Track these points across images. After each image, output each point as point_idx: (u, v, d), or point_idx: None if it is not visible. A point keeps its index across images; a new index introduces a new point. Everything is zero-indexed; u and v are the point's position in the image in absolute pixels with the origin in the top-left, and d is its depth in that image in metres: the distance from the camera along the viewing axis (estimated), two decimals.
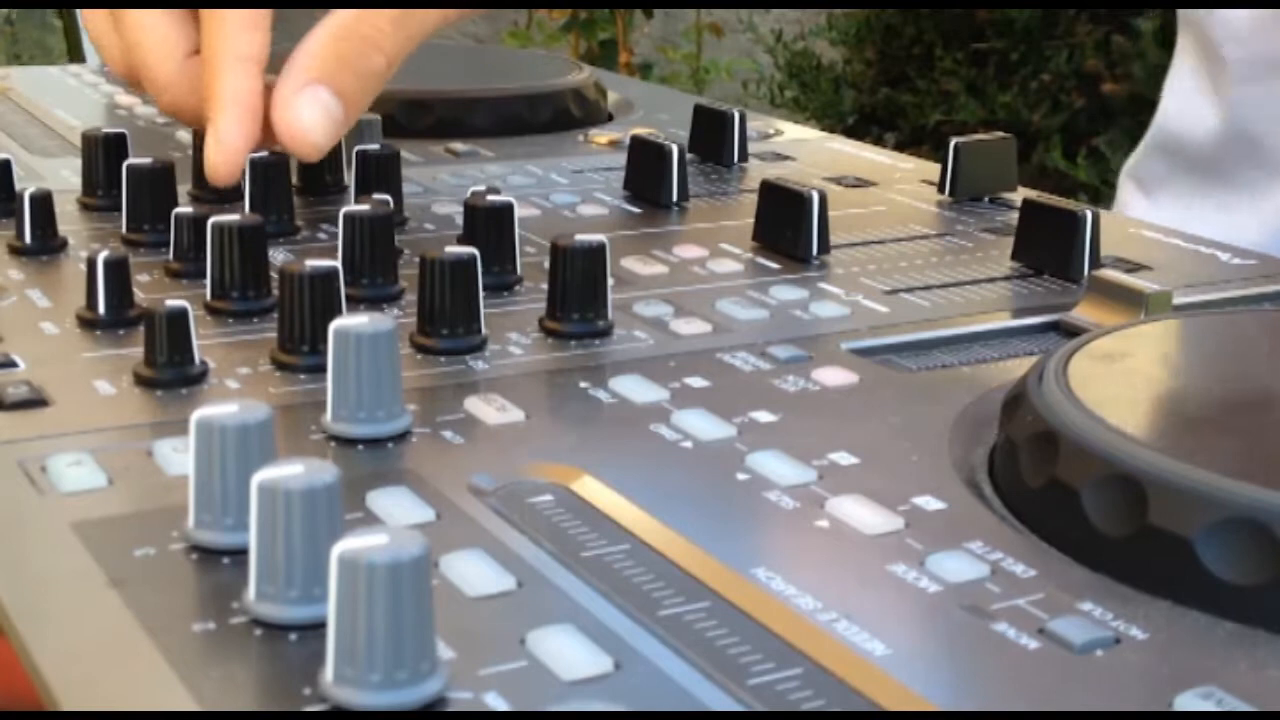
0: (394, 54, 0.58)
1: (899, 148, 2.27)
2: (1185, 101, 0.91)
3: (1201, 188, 0.90)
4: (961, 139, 0.70)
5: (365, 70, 0.57)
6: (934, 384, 0.49)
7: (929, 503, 0.39)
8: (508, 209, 0.56)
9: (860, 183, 0.74)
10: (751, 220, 0.63)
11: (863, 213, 0.68)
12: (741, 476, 0.41)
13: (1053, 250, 0.59)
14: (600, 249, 0.51)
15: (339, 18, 0.59)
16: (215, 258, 0.52)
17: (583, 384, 0.47)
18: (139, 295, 0.52)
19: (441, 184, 0.71)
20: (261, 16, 0.57)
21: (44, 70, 1.00)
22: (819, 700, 0.31)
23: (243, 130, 0.55)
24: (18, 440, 0.42)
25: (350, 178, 0.65)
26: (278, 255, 0.59)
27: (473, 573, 0.35)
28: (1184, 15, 0.92)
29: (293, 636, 0.32)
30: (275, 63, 0.56)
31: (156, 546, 0.36)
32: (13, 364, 0.47)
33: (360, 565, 0.29)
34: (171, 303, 0.46)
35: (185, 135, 0.77)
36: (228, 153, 0.55)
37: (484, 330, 0.50)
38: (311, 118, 0.55)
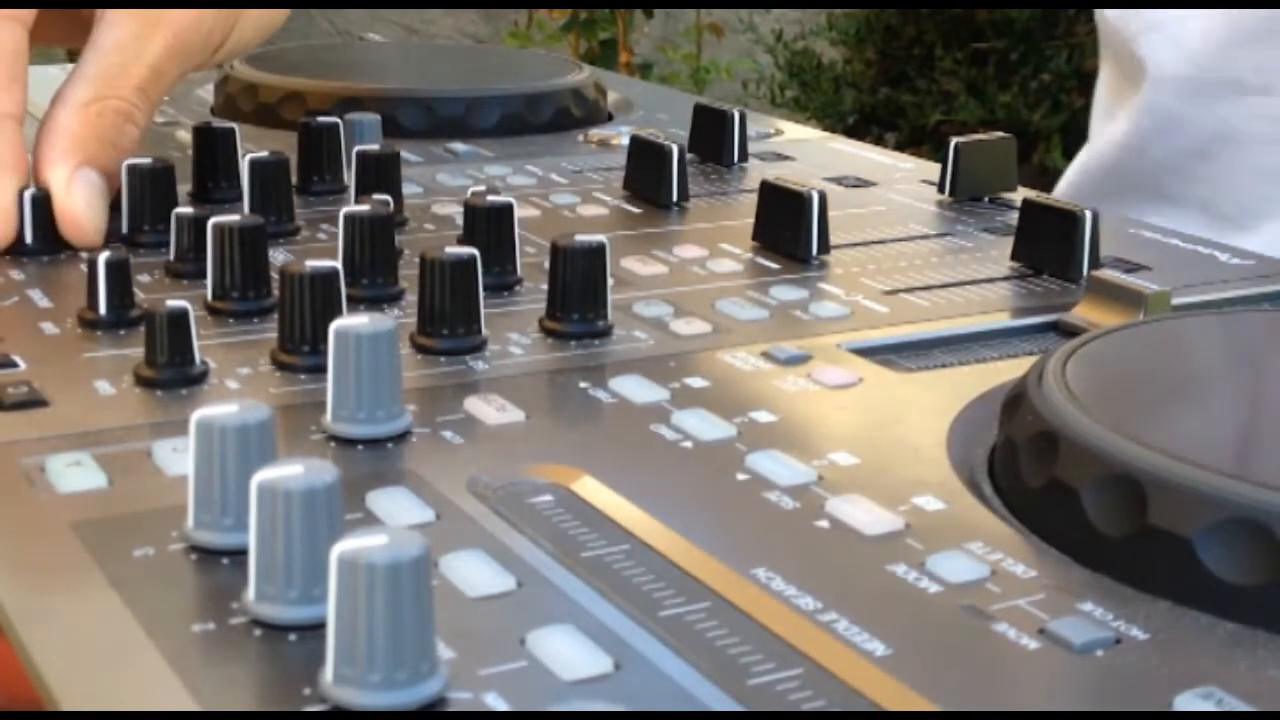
0: (145, 123, 0.62)
1: (899, 148, 2.27)
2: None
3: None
4: (961, 139, 0.70)
5: (124, 145, 0.60)
6: (934, 384, 0.49)
7: (929, 503, 0.39)
8: (508, 209, 0.56)
9: (860, 183, 0.74)
10: (751, 220, 0.63)
11: (863, 213, 0.68)
12: (741, 477, 0.41)
13: (1052, 250, 0.59)
14: (600, 249, 0.51)
15: (82, 87, 0.61)
16: (215, 258, 0.52)
17: (583, 384, 0.47)
18: (139, 295, 0.52)
19: (441, 184, 0.71)
20: (18, 70, 0.59)
21: (44, 70, 0.99)
22: (819, 700, 0.31)
23: (10, 188, 0.57)
24: (17, 440, 0.42)
25: (350, 178, 0.65)
26: (278, 255, 0.59)
27: (473, 573, 0.35)
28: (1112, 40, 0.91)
29: (292, 637, 0.32)
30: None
31: (156, 547, 0.36)
32: (13, 364, 0.47)
33: (360, 565, 0.29)
34: (172, 303, 0.46)
35: (185, 135, 0.77)
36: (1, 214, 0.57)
37: (484, 330, 0.50)
38: (89, 204, 0.58)
